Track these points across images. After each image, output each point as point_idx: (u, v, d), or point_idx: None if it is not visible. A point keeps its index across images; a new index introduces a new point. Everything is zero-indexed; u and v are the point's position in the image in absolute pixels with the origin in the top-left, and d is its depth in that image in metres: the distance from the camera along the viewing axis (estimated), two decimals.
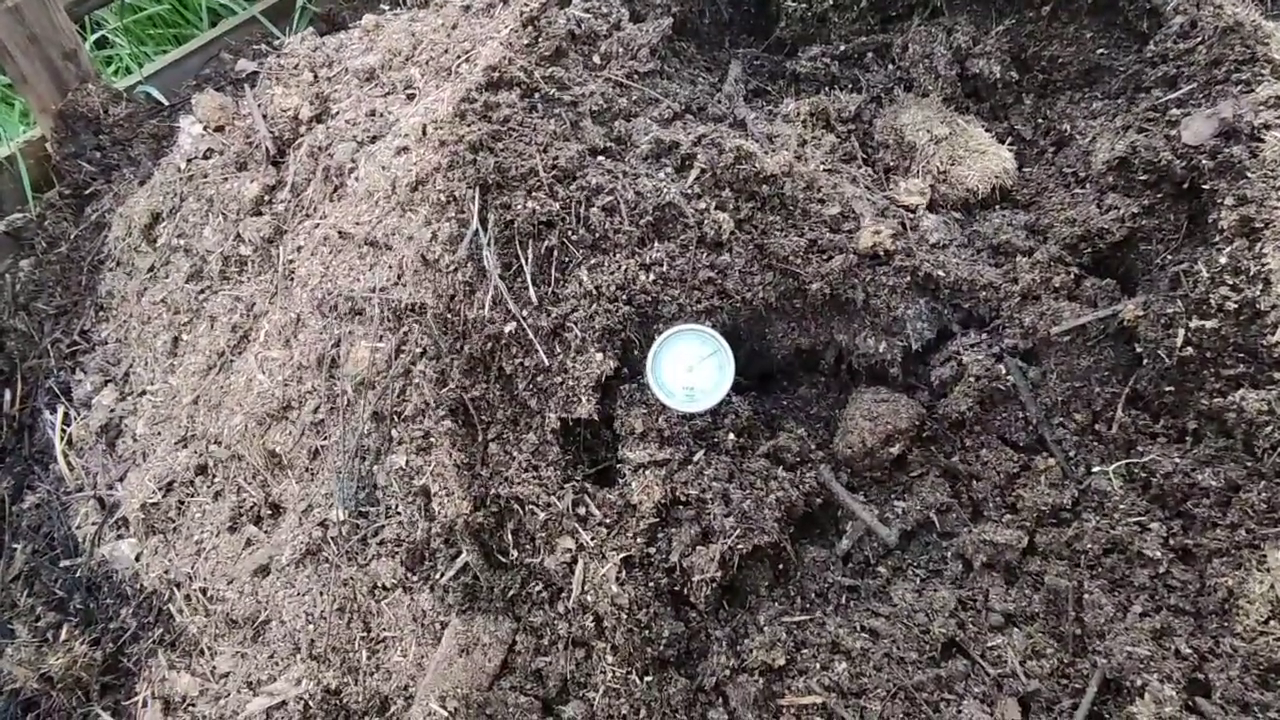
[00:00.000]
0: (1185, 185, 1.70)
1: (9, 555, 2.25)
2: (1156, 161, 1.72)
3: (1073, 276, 1.77)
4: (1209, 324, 1.58)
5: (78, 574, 2.14)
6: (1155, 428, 1.68)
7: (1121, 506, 1.63)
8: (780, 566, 1.70)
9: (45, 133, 2.64)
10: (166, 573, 2.01)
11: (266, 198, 2.14)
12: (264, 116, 2.21)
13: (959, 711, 1.54)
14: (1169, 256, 1.70)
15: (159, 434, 2.13)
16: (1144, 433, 1.68)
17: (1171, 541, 1.59)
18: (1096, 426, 1.72)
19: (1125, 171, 1.78)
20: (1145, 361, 1.67)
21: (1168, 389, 1.66)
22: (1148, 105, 1.83)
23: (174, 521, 2.04)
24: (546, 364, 1.65)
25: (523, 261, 1.67)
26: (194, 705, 1.88)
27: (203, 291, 2.17)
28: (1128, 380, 1.71)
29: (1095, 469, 1.69)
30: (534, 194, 1.69)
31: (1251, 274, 1.55)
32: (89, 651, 2.00)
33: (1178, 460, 1.61)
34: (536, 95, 1.83)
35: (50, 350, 2.41)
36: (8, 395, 2.47)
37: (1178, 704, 1.42)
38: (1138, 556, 1.59)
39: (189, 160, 2.30)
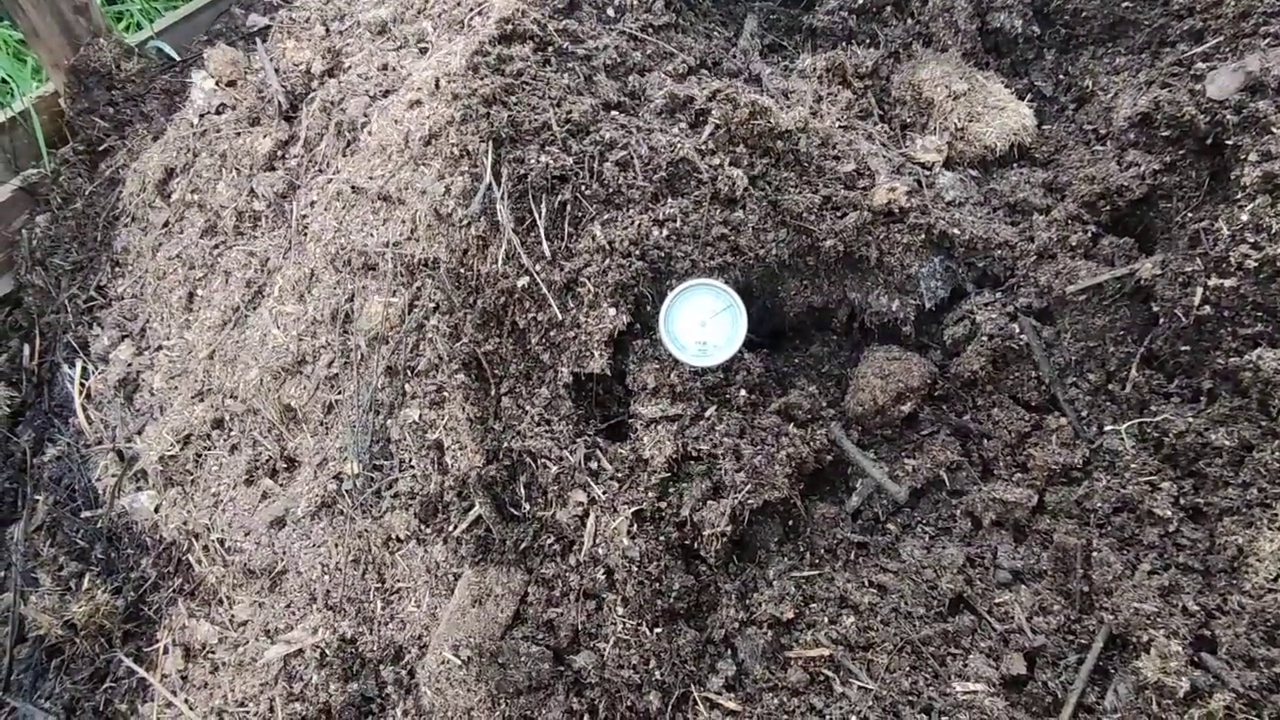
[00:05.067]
0: (1208, 141, 1.68)
1: (31, 506, 2.29)
2: (1180, 116, 1.69)
3: (1090, 235, 1.75)
4: (1228, 282, 1.56)
5: (98, 525, 2.17)
6: (1169, 387, 1.67)
7: (1133, 466, 1.63)
8: (790, 522, 1.72)
9: (58, 88, 2.64)
10: (185, 524, 2.04)
11: (279, 153, 2.13)
12: (276, 71, 2.19)
13: (965, 665, 1.55)
14: (1189, 214, 1.68)
15: (176, 388, 2.15)
16: (1158, 392, 1.67)
17: (1182, 500, 1.59)
18: (1110, 386, 1.72)
19: (1147, 127, 1.75)
20: (1161, 321, 1.66)
21: (1183, 348, 1.64)
22: (1172, 60, 1.79)
23: (192, 474, 2.07)
24: (559, 318, 1.65)
25: (536, 216, 1.67)
26: (213, 653, 1.92)
27: (217, 247, 2.18)
28: (1143, 340, 1.70)
29: (1108, 428, 1.68)
30: (547, 148, 1.68)
31: (1273, 231, 1.53)
32: (111, 600, 2.03)
33: (1191, 420, 1.60)
34: (550, 48, 1.81)
35: (67, 305, 2.43)
36: (27, 350, 2.49)
37: (1183, 659, 1.43)
38: (1148, 515, 1.59)
39: (201, 115, 2.29)
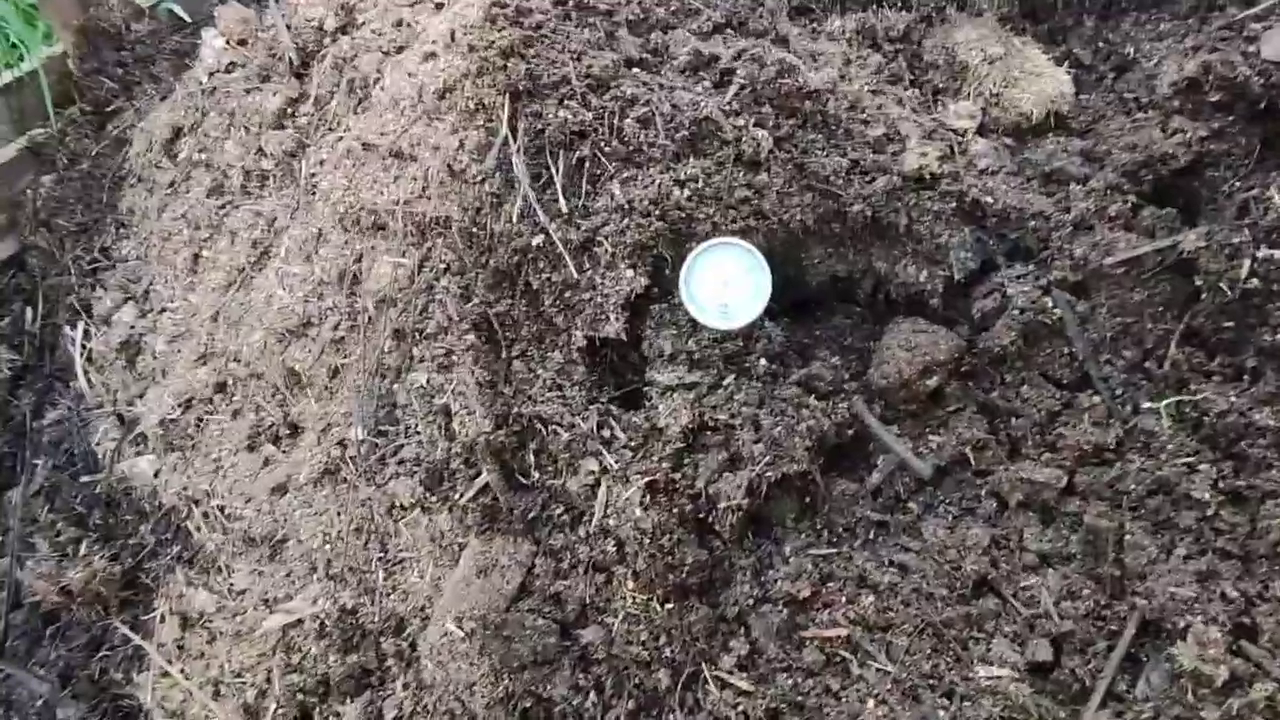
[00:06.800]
0: (1261, 105, 1.61)
1: (30, 471, 2.26)
2: (1232, 78, 1.61)
3: (1130, 205, 1.68)
4: (1278, 253, 1.49)
5: (97, 490, 2.14)
6: (1210, 365, 1.60)
7: (1170, 447, 1.57)
8: (808, 498, 1.66)
9: (67, 48, 2.60)
10: (185, 490, 2.00)
11: (289, 110, 2.08)
12: (288, 28, 2.14)
13: (988, 650, 1.50)
14: (1237, 183, 1.61)
15: (178, 351, 2.10)
16: (1198, 370, 1.61)
17: (1221, 483, 1.52)
18: (1147, 364, 1.65)
19: (1194, 93, 1.68)
20: (1204, 295, 1.59)
21: (1226, 324, 1.58)
22: (1222, 24, 1.72)
23: (193, 439, 2.03)
24: (575, 279, 1.60)
25: (553, 172, 1.61)
26: (211, 621, 1.88)
27: (223, 206, 2.13)
28: (1183, 315, 1.64)
29: (1144, 407, 1.62)
30: (566, 103, 1.63)
31: None
32: (108, 567, 2.00)
33: (1234, 399, 1.54)
34: (570, 2, 1.75)
35: (71, 267, 2.39)
36: (29, 312, 2.46)
37: (1222, 646, 1.37)
38: (1184, 498, 1.53)
39: (211, 74, 2.25)
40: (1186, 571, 1.46)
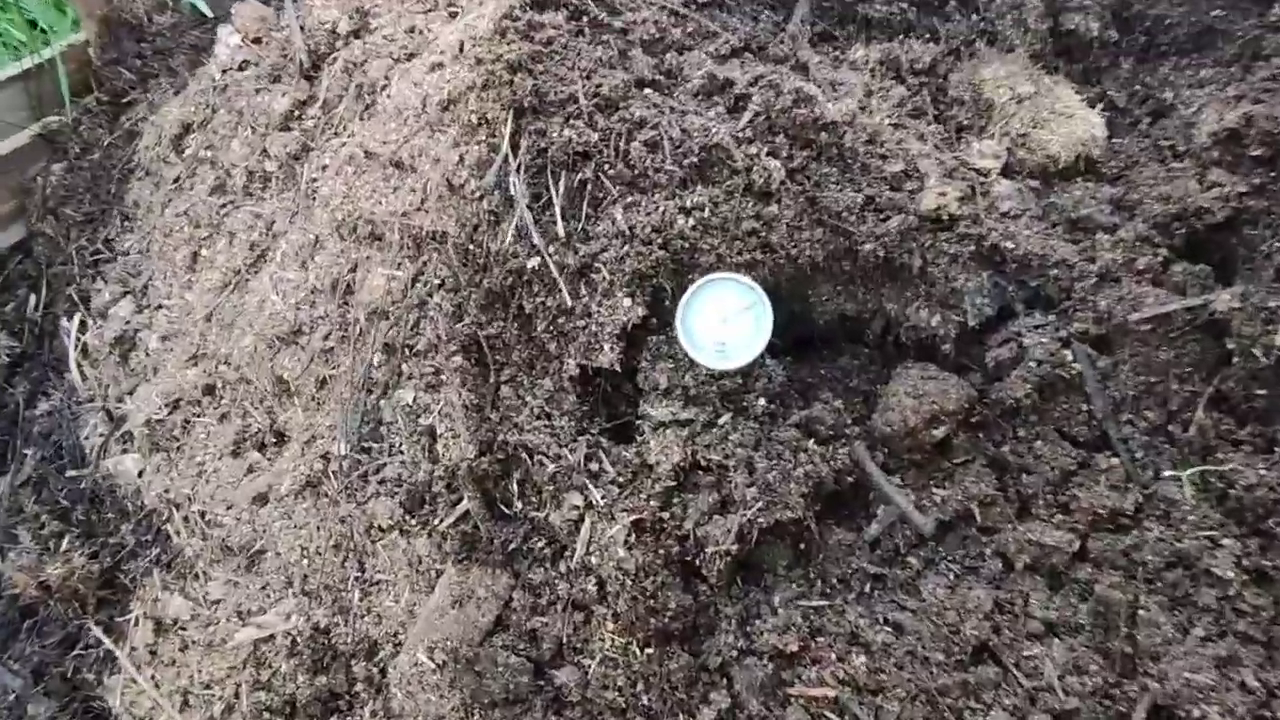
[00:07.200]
0: None
1: (20, 460, 2.24)
2: (1274, 133, 1.52)
3: (1160, 259, 1.59)
4: None
5: (82, 485, 2.11)
6: (1240, 434, 1.51)
7: (1191, 518, 1.47)
8: (801, 546, 1.58)
9: (89, 37, 2.60)
10: (167, 492, 1.97)
11: (296, 113, 2.05)
12: (302, 29, 2.11)
13: None
14: (1277, 244, 1.52)
15: (171, 349, 2.07)
16: (1226, 438, 1.51)
17: (1246, 561, 1.42)
18: (1170, 427, 1.55)
19: (1235, 145, 1.58)
20: (1236, 359, 1.50)
21: (1259, 391, 1.48)
22: (1266, 74, 1.63)
23: (178, 441, 1.99)
24: (570, 305, 1.53)
25: (553, 194, 1.55)
26: (184, 629, 1.85)
27: (224, 206, 2.10)
28: (1212, 379, 1.54)
29: (1165, 473, 1.52)
30: (572, 122, 1.57)
31: None
32: (87, 564, 1.97)
33: (1263, 472, 1.44)
34: (584, 18, 1.70)
35: (75, 257, 2.38)
36: (32, 300, 2.45)
37: None
38: (1205, 574, 1.43)
39: (224, 71, 2.23)
40: (1204, 655, 1.37)
